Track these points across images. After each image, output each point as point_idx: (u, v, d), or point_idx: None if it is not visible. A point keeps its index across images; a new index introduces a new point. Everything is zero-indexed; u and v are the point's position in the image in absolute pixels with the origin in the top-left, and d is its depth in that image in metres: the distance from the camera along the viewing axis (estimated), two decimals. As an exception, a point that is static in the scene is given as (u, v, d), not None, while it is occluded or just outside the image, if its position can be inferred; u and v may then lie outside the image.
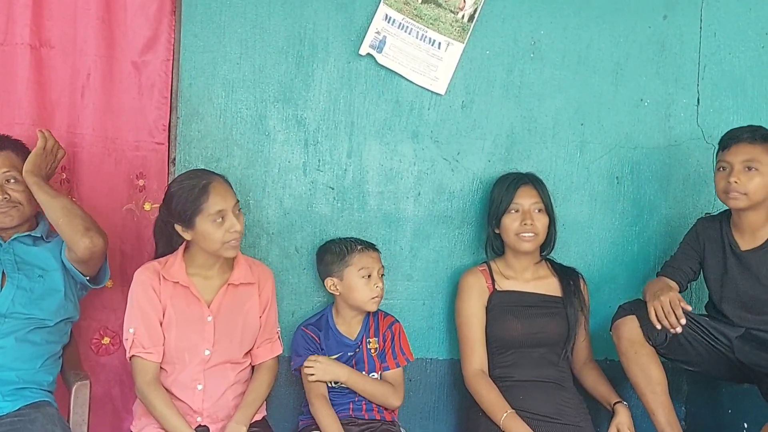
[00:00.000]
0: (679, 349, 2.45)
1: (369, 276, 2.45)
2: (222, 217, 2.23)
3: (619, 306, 2.51)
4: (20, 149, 2.33)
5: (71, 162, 2.53)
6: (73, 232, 2.20)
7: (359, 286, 2.45)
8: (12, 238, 2.30)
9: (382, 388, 2.46)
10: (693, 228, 2.66)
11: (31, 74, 2.48)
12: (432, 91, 2.72)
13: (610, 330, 2.51)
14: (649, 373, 2.44)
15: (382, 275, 2.50)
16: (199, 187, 2.23)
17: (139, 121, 2.56)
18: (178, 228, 2.27)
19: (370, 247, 2.53)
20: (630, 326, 2.44)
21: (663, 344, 2.43)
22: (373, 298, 2.45)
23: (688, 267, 2.60)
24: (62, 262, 2.29)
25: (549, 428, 2.39)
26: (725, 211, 2.58)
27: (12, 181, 2.27)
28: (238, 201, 2.30)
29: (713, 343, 2.45)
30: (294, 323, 2.60)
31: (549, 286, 2.63)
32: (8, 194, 2.26)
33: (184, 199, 2.23)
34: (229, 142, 2.62)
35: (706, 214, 2.78)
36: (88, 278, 2.31)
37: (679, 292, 2.49)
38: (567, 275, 2.65)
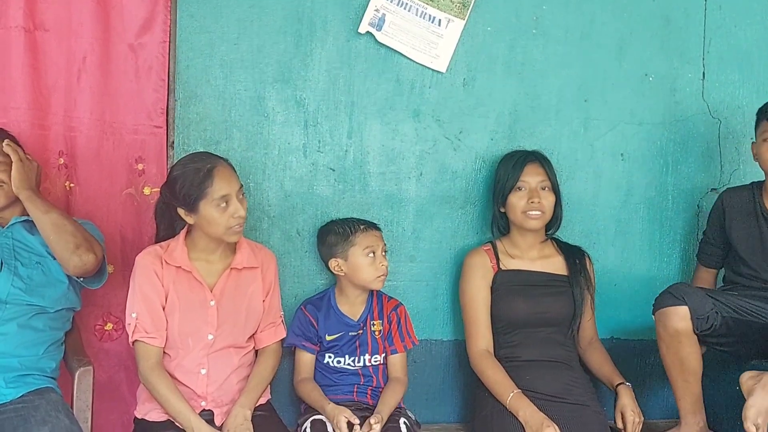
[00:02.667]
0: (718, 334, 2.39)
1: (373, 255, 2.43)
2: (226, 202, 2.20)
3: (666, 291, 2.40)
4: None
5: (69, 146, 2.51)
6: (63, 249, 2.17)
7: (364, 265, 2.43)
8: (10, 223, 2.27)
9: (396, 396, 2.43)
10: (716, 202, 2.64)
11: (25, 58, 2.45)
12: (433, 69, 2.68)
13: (653, 313, 2.42)
14: (686, 363, 2.38)
15: (386, 253, 2.48)
16: (203, 171, 2.20)
17: (137, 105, 2.53)
18: (181, 212, 2.25)
19: (372, 226, 2.51)
20: (680, 316, 2.33)
21: (707, 330, 2.35)
22: (378, 277, 2.43)
23: (717, 247, 2.62)
24: None
25: (556, 408, 2.37)
26: (756, 181, 2.58)
27: None
28: (242, 185, 2.27)
29: (753, 321, 2.37)
30: (297, 306, 2.57)
31: (555, 264, 2.60)
32: None
33: (188, 182, 2.20)
34: (228, 124, 2.59)
35: (711, 190, 2.76)
36: (82, 279, 2.29)
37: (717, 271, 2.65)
38: (573, 254, 2.62)
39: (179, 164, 2.29)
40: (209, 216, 2.20)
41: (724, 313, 2.37)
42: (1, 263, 2.22)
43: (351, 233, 2.46)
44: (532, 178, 2.52)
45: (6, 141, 2.24)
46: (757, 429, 2.13)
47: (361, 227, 2.48)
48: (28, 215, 2.27)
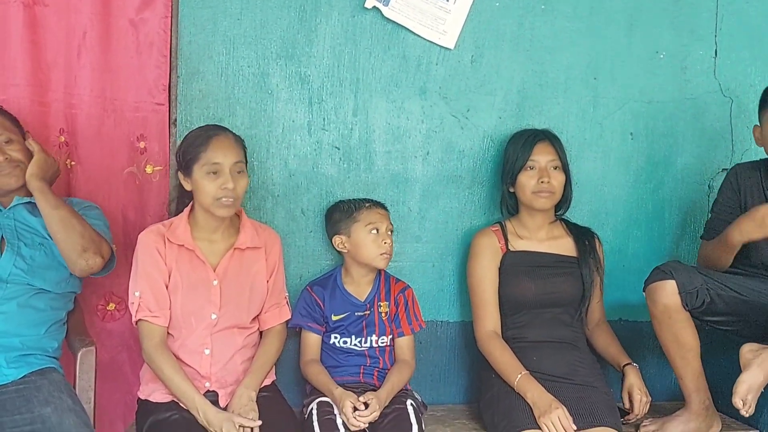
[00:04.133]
0: (714, 312, 2.36)
1: (377, 232, 2.40)
2: (216, 171, 2.19)
3: (656, 267, 2.39)
4: (7, 115, 2.28)
5: (69, 124, 2.48)
6: (70, 250, 2.15)
7: (367, 242, 2.41)
8: (12, 204, 2.24)
9: (401, 378, 2.40)
10: (728, 178, 2.56)
11: (25, 33, 2.41)
12: (440, 46, 2.63)
13: (644, 290, 2.41)
14: (681, 339, 2.36)
15: (391, 232, 2.45)
16: (203, 136, 2.23)
17: (139, 81, 2.49)
18: (180, 176, 2.26)
19: (377, 204, 2.49)
20: (668, 291, 2.32)
21: (699, 308, 2.34)
22: (381, 254, 2.40)
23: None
24: None
25: (563, 388, 2.34)
26: (763, 159, 2.51)
27: (9, 142, 2.22)
28: (241, 161, 2.24)
29: (750, 300, 2.34)
30: (302, 286, 2.54)
31: (563, 246, 2.57)
32: (9, 155, 2.21)
33: (186, 144, 2.25)
34: (231, 101, 2.55)
35: (722, 170, 2.71)
36: None
37: None
38: (582, 235, 2.59)
39: (193, 129, 2.32)
40: (199, 182, 2.20)
41: (719, 290, 2.34)
42: (2, 240, 2.19)
43: (355, 210, 2.45)
44: (542, 157, 2.48)
45: (30, 140, 2.24)
46: (743, 404, 2.12)
47: (366, 205, 2.46)
48: (30, 197, 2.25)
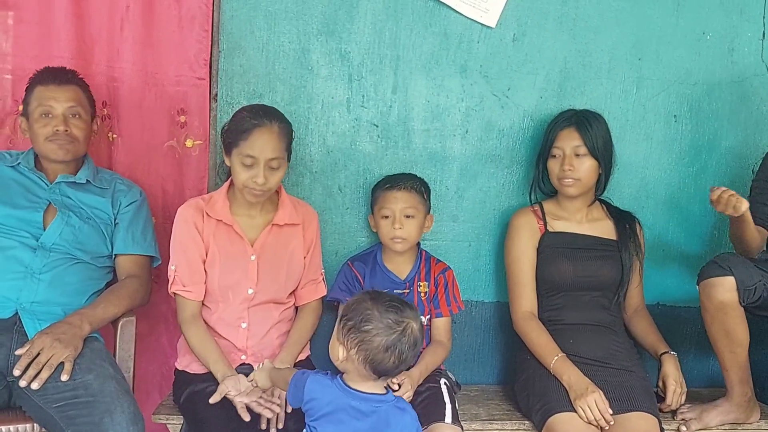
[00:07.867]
0: (766, 307, 2.31)
1: (388, 217, 2.39)
2: (251, 165, 2.16)
3: (713, 261, 2.29)
4: (85, 88, 2.32)
5: (112, 97, 2.51)
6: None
7: (380, 225, 2.42)
8: (57, 181, 2.28)
9: (435, 358, 2.38)
10: (765, 161, 2.50)
11: (69, 7, 2.44)
12: (482, 24, 2.60)
13: (698, 283, 2.33)
14: (733, 335, 2.29)
15: (407, 216, 2.38)
16: (248, 123, 2.17)
17: (180, 56, 2.50)
18: (223, 151, 2.27)
19: (396, 186, 2.40)
20: (726, 287, 2.24)
21: (754, 302, 2.27)
22: (391, 239, 2.39)
23: None
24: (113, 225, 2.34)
25: (600, 372, 2.32)
26: None
27: (76, 116, 2.26)
28: (279, 157, 2.17)
29: None
30: (338, 263, 2.55)
31: (603, 228, 2.53)
32: (69, 128, 2.24)
33: (232, 125, 2.22)
34: (271, 77, 2.55)
35: (766, 154, 2.64)
36: None
37: None
38: (623, 218, 2.54)
39: (245, 107, 2.28)
40: (234, 166, 2.21)
41: None
42: (48, 207, 2.23)
43: (376, 191, 2.45)
44: (566, 144, 2.44)
45: None
46: None
47: (386, 186, 2.42)
48: (74, 174, 2.30)
